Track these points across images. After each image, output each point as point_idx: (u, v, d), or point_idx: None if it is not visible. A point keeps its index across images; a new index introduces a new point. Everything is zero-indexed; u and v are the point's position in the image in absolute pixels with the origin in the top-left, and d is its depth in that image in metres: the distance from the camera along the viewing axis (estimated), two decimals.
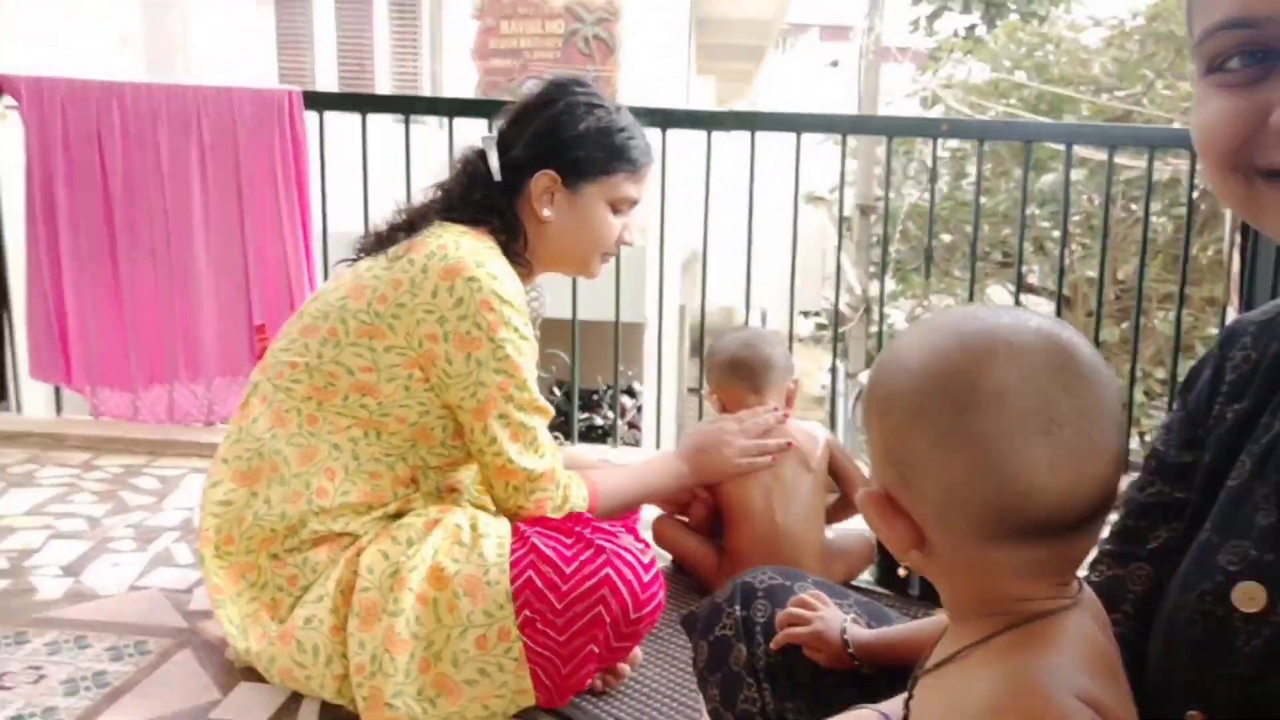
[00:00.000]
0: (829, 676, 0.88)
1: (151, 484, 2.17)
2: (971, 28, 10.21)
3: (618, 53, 7.80)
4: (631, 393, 7.66)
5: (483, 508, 1.37)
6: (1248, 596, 0.56)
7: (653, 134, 1.46)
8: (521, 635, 1.16)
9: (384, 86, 7.82)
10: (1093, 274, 6.92)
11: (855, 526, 1.72)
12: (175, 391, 2.48)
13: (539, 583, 1.17)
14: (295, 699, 1.25)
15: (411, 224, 1.32)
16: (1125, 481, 0.62)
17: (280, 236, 2.44)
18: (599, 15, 7.79)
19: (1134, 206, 6.05)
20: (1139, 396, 5.81)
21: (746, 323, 2.54)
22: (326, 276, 2.49)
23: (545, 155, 1.33)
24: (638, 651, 1.36)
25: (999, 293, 7.30)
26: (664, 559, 1.67)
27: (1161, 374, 5.89)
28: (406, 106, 2.81)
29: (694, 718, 1.25)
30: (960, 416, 0.54)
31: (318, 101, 2.52)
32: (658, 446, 2.79)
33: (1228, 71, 0.57)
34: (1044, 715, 0.52)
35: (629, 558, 1.20)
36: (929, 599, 1.62)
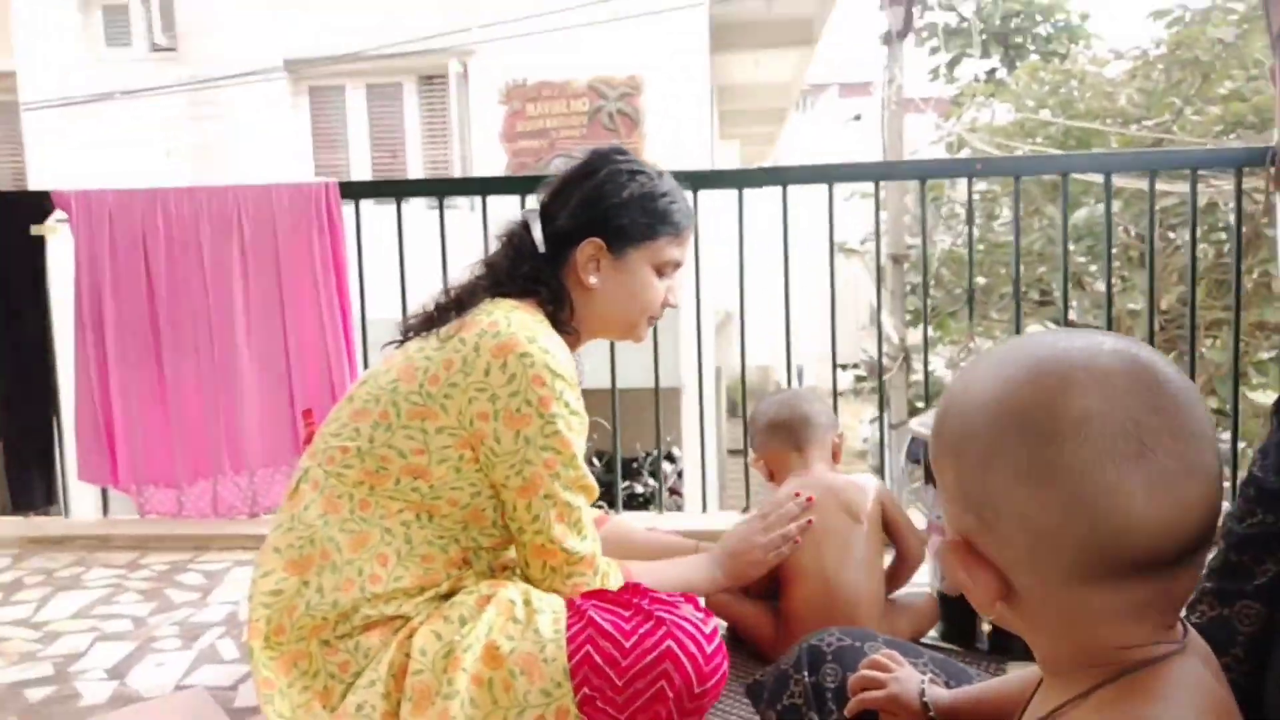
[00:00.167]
0: None
1: (196, 580, 2.17)
2: (992, 71, 10.28)
3: (642, 125, 7.95)
4: (671, 458, 7.60)
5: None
6: None
7: (688, 198, 1.47)
8: (581, 714, 1.11)
9: (416, 174, 8.04)
10: (1133, 306, 6.79)
11: (916, 581, 1.65)
12: (219, 485, 2.49)
13: (598, 658, 1.13)
14: None
15: (460, 302, 1.32)
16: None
17: (320, 325, 2.46)
18: (622, 91, 7.97)
19: (1171, 234, 5.94)
20: None
21: (789, 380, 2.51)
22: (366, 363, 2.51)
23: (590, 224, 1.34)
24: None
25: (1035, 330, 7.17)
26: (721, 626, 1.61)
27: (1213, 403, 5.70)
28: (439, 189, 2.86)
29: None
30: (1043, 449, 0.50)
31: (353, 191, 2.57)
32: (704, 509, 2.73)
33: None
34: None
35: (690, 629, 1.15)
36: (1000, 652, 1.54)
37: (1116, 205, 5.79)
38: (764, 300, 2.53)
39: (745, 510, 2.50)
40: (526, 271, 1.32)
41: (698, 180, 2.38)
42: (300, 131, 8.12)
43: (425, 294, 1.38)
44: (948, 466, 0.55)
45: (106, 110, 7.71)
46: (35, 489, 2.55)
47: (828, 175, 2.44)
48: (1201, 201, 5.17)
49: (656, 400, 2.57)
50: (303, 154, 8.12)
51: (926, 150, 8.73)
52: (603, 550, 1.29)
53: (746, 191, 2.46)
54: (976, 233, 7.13)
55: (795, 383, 2.50)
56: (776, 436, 1.65)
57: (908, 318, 8.25)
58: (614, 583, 1.25)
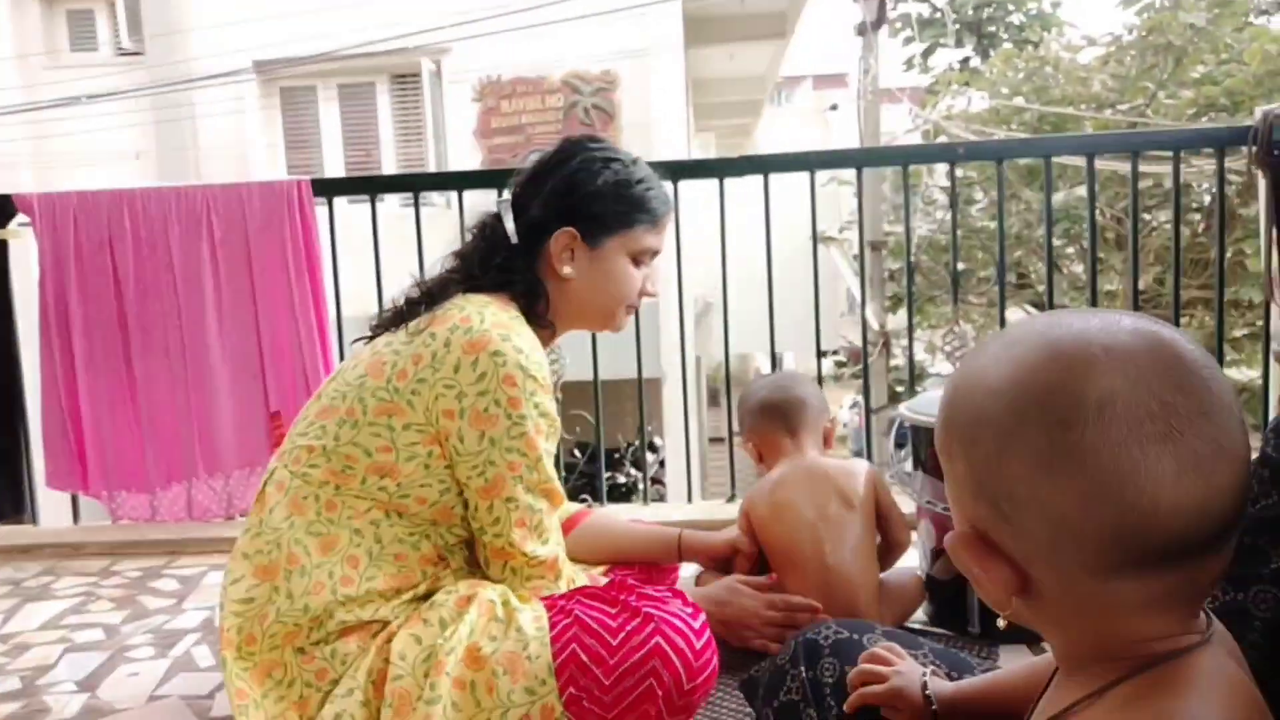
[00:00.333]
0: None
1: (171, 585, 2.11)
2: (966, 60, 10.33)
3: (618, 119, 7.91)
4: (653, 448, 7.59)
5: None
6: None
7: (665, 187, 1.43)
8: (567, 713, 1.08)
9: (390, 172, 7.97)
10: (1111, 288, 6.83)
11: (903, 562, 1.63)
12: (194, 488, 2.44)
13: (584, 656, 1.09)
14: None
15: (431, 296, 1.28)
16: None
17: (294, 324, 2.42)
18: (597, 85, 7.93)
19: (1146, 215, 5.97)
20: None
21: (772, 368, 2.48)
22: (342, 361, 2.46)
23: (563, 213, 1.30)
24: None
25: (1018, 315, 7.22)
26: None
27: None
28: (413, 185, 2.80)
29: None
30: (1065, 434, 0.47)
31: (326, 188, 2.51)
32: (689, 500, 2.70)
33: None
34: None
35: (679, 624, 1.12)
36: (990, 635, 1.53)
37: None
38: (739, 290, 2.51)
39: (730, 499, 2.47)
40: (499, 263, 1.29)
41: (678, 170, 2.35)
42: (272, 133, 8.02)
43: (406, 284, 1.34)
44: (959, 455, 0.52)
45: (72, 114, 7.58)
46: (3, 498, 2.49)
47: (809, 163, 2.41)
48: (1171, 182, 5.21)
49: (639, 391, 2.54)
50: (275, 155, 8.03)
51: (904, 139, 8.75)
52: (586, 543, 1.26)
53: (718, 184, 2.43)
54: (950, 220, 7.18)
55: (779, 369, 2.47)
56: (769, 418, 1.60)
57: (887, 304, 8.29)
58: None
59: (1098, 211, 6.37)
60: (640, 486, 2.73)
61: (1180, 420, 0.46)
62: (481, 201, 2.07)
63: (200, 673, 1.63)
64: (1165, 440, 0.46)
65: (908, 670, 0.80)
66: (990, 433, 0.50)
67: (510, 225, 1.30)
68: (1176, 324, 2.45)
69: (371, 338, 1.30)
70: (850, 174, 5.97)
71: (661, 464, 7.59)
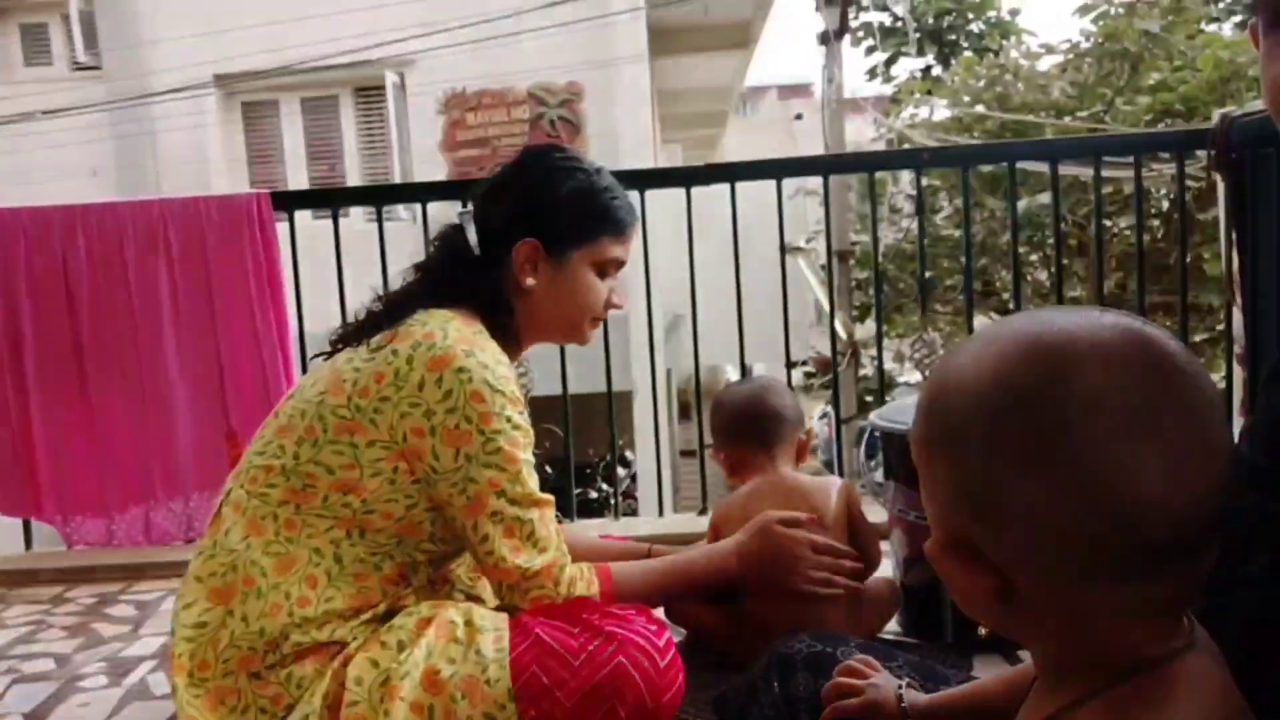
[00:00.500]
0: None
1: (127, 611, 2.05)
2: (928, 69, 10.46)
3: (584, 130, 7.91)
4: (625, 462, 7.54)
5: (477, 598, 1.26)
6: None
7: (631, 197, 1.41)
8: None
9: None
10: (1074, 294, 6.92)
11: (878, 571, 1.62)
12: (152, 511, 2.37)
13: (545, 679, 1.06)
14: None
15: (393, 310, 1.25)
16: None
17: (255, 342, 2.37)
18: (562, 97, 7.92)
19: (1107, 222, 6.07)
20: None
21: (747, 376, 2.46)
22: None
23: (525, 224, 1.27)
24: None
25: (983, 322, 7.29)
26: (678, 633, 1.55)
27: None
28: (377, 197, 2.76)
29: None
30: (1050, 433, 0.45)
31: (287, 201, 2.47)
32: (660, 514, 2.68)
33: None
34: None
35: (642, 643, 1.09)
36: (966, 645, 1.51)
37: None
38: (708, 301, 2.49)
39: (701, 512, 2.45)
40: (462, 276, 1.26)
41: (644, 179, 2.33)
42: (234, 148, 7.92)
43: (367, 298, 1.31)
44: (939, 460, 0.50)
45: (27, 129, 7.44)
46: None
47: (776, 170, 2.41)
48: (1131, 189, 5.29)
49: (610, 404, 2.51)
50: (237, 170, 7.93)
51: (869, 148, 8.83)
52: None
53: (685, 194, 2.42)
54: (918, 228, 7.25)
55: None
56: (742, 431, 1.56)
57: (854, 313, 8.34)
58: (583, 588, 1.18)
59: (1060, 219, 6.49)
60: (612, 502, 2.70)
61: (1167, 417, 0.45)
62: (447, 215, 2.04)
63: (155, 701, 1.57)
64: (1153, 439, 0.44)
65: (882, 683, 0.79)
66: (972, 435, 0.48)
67: (473, 237, 1.28)
68: None
69: (331, 353, 1.26)
70: (816, 184, 6.01)
71: (633, 478, 7.54)
